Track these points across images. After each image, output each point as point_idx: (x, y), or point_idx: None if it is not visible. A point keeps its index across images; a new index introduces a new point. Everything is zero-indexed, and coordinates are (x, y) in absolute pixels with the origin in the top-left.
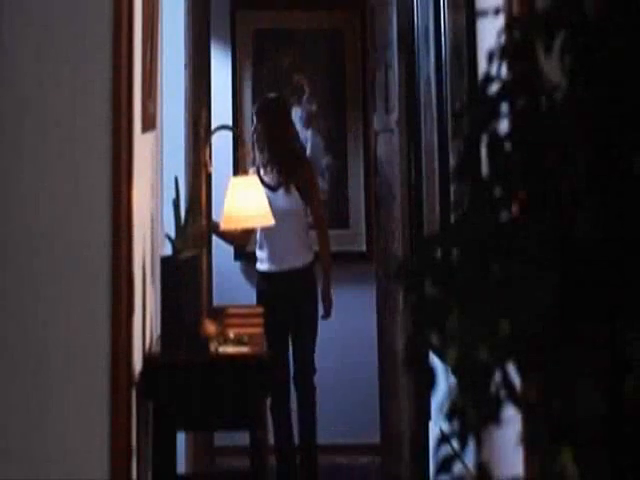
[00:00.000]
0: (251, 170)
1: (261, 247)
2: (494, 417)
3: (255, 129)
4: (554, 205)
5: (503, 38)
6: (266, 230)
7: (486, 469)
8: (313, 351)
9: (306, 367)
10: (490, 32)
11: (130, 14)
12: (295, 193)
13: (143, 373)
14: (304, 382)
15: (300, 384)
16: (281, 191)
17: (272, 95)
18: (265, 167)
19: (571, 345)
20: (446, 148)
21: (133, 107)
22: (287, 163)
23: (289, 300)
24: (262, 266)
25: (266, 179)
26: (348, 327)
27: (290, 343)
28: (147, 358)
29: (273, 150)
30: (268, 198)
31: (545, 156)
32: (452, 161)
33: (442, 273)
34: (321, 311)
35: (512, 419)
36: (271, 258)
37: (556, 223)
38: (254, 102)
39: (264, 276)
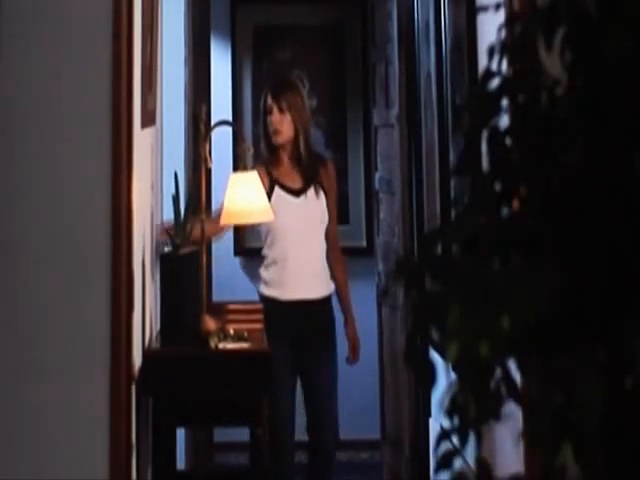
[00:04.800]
0: (257, 169)
1: (272, 267)
2: (494, 413)
3: (274, 117)
4: (554, 200)
5: (504, 33)
6: (284, 245)
7: (486, 465)
8: (335, 407)
9: (324, 429)
10: (491, 27)
11: (130, 10)
12: (323, 199)
13: (143, 369)
14: (321, 447)
15: (315, 447)
16: (307, 196)
17: (290, 77)
18: (280, 166)
19: (572, 341)
20: (446, 143)
21: (133, 103)
22: (310, 161)
23: (302, 339)
24: (272, 290)
25: (285, 181)
26: None
27: (303, 395)
28: (147, 354)
29: (297, 144)
30: (288, 205)
31: (545, 152)
32: (452, 156)
33: (442, 269)
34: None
35: (513, 415)
36: (289, 281)
37: (556, 218)
38: (254, 97)
39: (274, 304)
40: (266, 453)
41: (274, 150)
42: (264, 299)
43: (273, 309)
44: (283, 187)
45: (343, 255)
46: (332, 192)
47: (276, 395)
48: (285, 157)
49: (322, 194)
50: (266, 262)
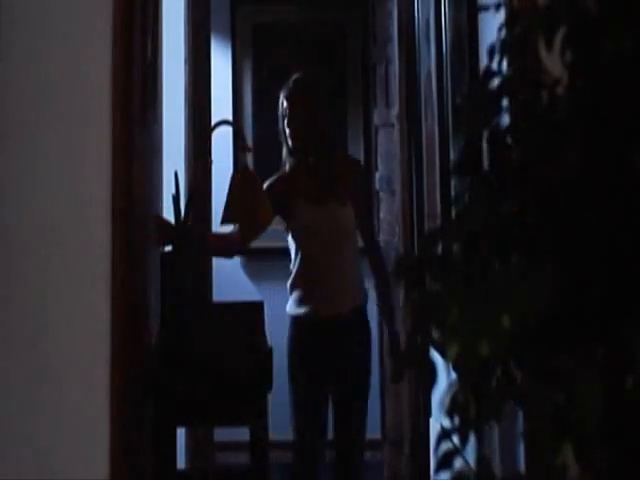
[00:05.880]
0: (278, 178)
1: (300, 283)
2: (495, 413)
3: (290, 122)
4: (554, 200)
5: (504, 33)
6: (312, 258)
7: (487, 465)
8: (364, 426)
9: (352, 447)
10: (491, 27)
11: (130, 9)
12: (348, 206)
13: (143, 369)
14: (348, 465)
15: (342, 465)
16: (332, 204)
17: (306, 75)
18: (302, 173)
19: (572, 341)
20: (447, 142)
21: (133, 102)
22: (333, 165)
23: (335, 357)
24: (302, 308)
25: (308, 190)
26: None
27: (333, 412)
28: (147, 354)
29: (316, 148)
30: (313, 215)
31: (545, 151)
32: (453, 155)
33: (442, 268)
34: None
35: (513, 415)
36: (320, 297)
37: (556, 218)
38: (254, 97)
39: (304, 321)
40: (266, 453)
41: (294, 156)
42: (294, 318)
43: (304, 327)
44: (306, 197)
45: (379, 252)
46: (362, 194)
47: (301, 418)
48: (306, 163)
49: (347, 201)
50: (294, 278)
